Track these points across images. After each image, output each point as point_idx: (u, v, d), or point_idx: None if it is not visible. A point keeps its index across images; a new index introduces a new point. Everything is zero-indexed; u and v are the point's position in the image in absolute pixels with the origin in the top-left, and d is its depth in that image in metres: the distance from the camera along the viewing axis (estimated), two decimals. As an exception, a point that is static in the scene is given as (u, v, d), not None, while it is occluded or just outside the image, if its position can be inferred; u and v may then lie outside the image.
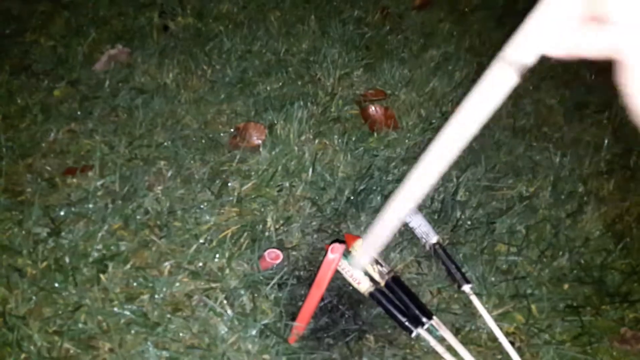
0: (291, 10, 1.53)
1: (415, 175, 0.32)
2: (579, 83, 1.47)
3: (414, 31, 1.54)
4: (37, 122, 1.10)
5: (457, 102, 1.32)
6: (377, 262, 0.90)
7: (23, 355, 0.72)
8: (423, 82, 1.36)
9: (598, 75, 1.49)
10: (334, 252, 0.75)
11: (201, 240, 0.91)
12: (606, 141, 1.26)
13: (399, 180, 1.09)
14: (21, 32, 1.35)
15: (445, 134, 0.30)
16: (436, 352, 0.82)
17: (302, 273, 0.92)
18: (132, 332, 0.77)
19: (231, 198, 1.00)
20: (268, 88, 1.28)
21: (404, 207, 0.34)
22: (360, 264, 0.53)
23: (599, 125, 1.34)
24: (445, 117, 1.27)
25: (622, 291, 0.95)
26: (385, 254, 0.96)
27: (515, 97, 1.37)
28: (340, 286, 0.91)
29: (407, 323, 0.84)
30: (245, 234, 0.94)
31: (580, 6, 0.23)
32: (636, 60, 0.23)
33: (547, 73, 1.47)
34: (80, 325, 0.76)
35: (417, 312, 0.85)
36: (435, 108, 1.29)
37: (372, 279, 0.89)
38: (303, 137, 1.15)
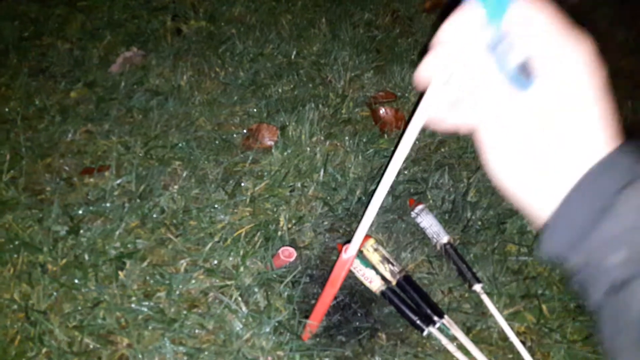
0: (302, 14, 1.55)
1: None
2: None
3: (424, 34, 1.55)
4: (55, 123, 1.13)
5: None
6: (388, 262, 0.91)
7: (44, 350, 0.74)
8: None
9: (607, 78, 1.49)
10: (348, 253, 0.76)
11: (216, 239, 0.93)
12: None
13: (410, 180, 1.10)
14: (39, 35, 1.38)
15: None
16: (447, 351, 0.83)
17: (314, 272, 0.94)
18: (150, 327, 0.79)
19: (244, 198, 1.02)
20: (280, 90, 1.29)
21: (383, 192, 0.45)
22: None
23: (609, 127, 1.35)
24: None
25: (633, 292, 0.96)
26: (397, 254, 0.97)
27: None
28: (352, 285, 0.92)
29: (418, 322, 0.85)
30: (259, 233, 0.96)
31: (449, 98, 0.33)
32: (482, 133, 0.32)
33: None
34: (99, 321, 0.78)
35: (428, 311, 0.86)
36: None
37: (383, 278, 0.90)
38: (314, 139, 1.17)
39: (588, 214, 0.29)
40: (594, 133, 0.30)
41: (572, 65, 0.30)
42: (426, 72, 0.33)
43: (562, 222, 0.30)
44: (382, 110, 1.26)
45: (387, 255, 0.93)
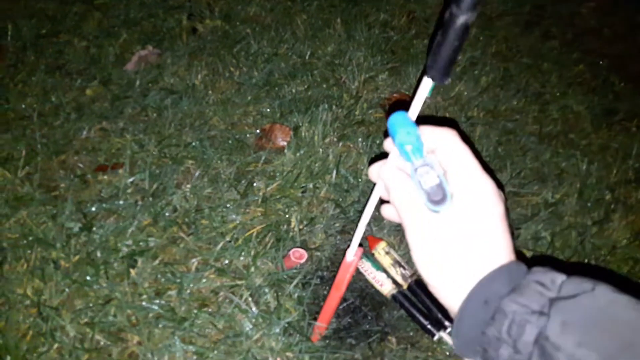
0: (317, 14, 1.54)
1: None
2: (608, 90, 1.45)
3: (440, 35, 1.54)
4: (70, 120, 1.14)
5: (482, 107, 1.32)
6: (400, 265, 0.91)
7: (56, 345, 0.75)
8: (448, 87, 1.36)
9: (628, 82, 1.46)
10: (349, 256, 0.75)
11: (227, 239, 0.93)
12: (635, 149, 1.24)
13: (423, 184, 1.09)
14: (56, 32, 1.39)
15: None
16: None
17: (325, 273, 0.93)
18: (160, 326, 0.79)
19: (256, 198, 1.02)
20: (294, 90, 1.29)
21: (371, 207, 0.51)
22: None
23: (627, 132, 1.32)
24: (470, 121, 1.27)
25: (650, 301, 0.94)
26: (408, 257, 0.96)
27: (542, 103, 1.36)
28: (362, 288, 0.92)
29: (429, 326, 0.84)
30: (270, 233, 0.96)
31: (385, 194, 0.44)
32: (405, 227, 0.40)
33: (574, 79, 1.46)
34: (110, 318, 0.79)
35: (439, 315, 0.85)
36: (461, 112, 1.29)
37: (394, 282, 0.89)
38: (327, 140, 1.16)
39: (481, 316, 0.35)
40: (493, 248, 0.37)
41: (480, 195, 0.38)
42: (371, 178, 0.46)
43: (463, 323, 0.36)
44: (396, 112, 1.25)
45: (398, 258, 0.92)
